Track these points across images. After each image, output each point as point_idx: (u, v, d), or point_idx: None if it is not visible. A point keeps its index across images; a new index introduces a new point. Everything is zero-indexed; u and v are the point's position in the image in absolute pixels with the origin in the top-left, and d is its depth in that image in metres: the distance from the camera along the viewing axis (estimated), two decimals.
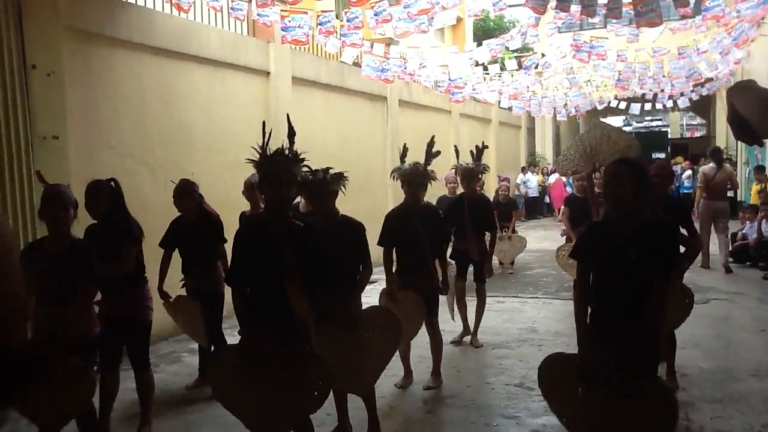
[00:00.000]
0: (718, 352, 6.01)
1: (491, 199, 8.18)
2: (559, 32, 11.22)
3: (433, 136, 5.32)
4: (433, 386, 5.23)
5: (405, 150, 5.19)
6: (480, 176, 6.50)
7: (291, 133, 3.56)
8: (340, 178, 4.13)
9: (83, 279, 3.69)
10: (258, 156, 3.45)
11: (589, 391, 3.17)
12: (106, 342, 4.13)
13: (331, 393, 4.17)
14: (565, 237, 8.17)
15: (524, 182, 19.89)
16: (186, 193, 5.26)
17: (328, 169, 4.10)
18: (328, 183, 4.09)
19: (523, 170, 20.78)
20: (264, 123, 3.64)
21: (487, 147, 6.64)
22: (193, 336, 5.44)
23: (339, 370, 3.48)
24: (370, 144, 11.64)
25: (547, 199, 21.05)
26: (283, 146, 3.43)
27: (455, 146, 6.84)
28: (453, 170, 6.53)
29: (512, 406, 4.80)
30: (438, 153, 5.21)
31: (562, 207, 8.26)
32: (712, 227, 10.41)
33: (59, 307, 3.59)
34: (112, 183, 4.33)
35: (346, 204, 4.39)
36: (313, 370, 3.29)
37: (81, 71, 6.08)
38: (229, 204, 6.74)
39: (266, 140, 3.41)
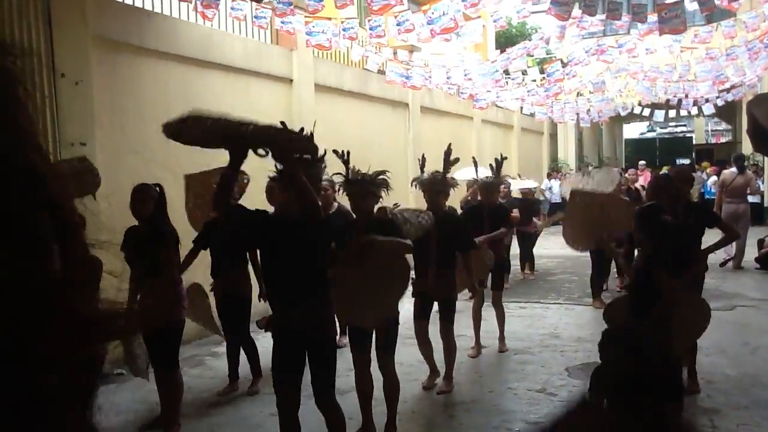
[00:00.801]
0: (744, 359, 5.93)
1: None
2: (582, 39, 11.18)
3: (450, 144, 5.35)
4: (446, 390, 5.24)
5: (424, 160, 5.26)
6: (500, 188, 6.59)
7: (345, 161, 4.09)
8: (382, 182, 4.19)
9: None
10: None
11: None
12: (147, 339, 4.39)
13: (356, 394, 4.23)
14: None
15: (549, 188, 19.78)
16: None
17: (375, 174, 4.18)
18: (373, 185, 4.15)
19: (549, 176, 20.69)
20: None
21: (506, 158, 6.64)
22: (203, 325, 5.37)
23: (348, 303, 3.59)
24: (392, 150, 11.68)
25: None
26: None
27: (474, 158, 6.87)
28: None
29: (534, 412, 4.79)
30: (457, 160, 5.25)
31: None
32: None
33: None
34: (158, 188, 4.52)
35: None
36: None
37: (108, 79, 6.20)
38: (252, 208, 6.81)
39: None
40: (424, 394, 5.27)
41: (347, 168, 4.17)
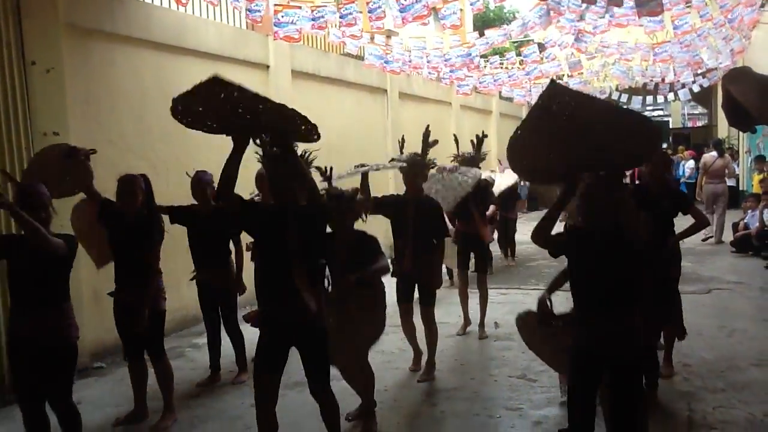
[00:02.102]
0: (720, 342, 6.02)
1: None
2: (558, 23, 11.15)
3: (428, 126, 5.34)
4: (427, 378, 5.27)
5: (403, 142, 5.25)
6: (479, 164, 6.56)
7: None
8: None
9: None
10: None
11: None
12: (125, 331, 4.43)
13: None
14: None
15: None
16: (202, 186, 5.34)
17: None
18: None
19: None
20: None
21: (486, 136, 6.73)
22: (86, 248, 4.97)
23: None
24: (370, 136, 11.62)
25: None
26: None
27: (455, 135, 6.86)
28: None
29: (515, 398, 4.82)
30: (435, 142, 5.28)
31: None
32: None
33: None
34: (143, 180, 4.48)
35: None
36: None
37: (81, 67, 6.07)
38: None
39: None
40: (405, 382, 5.28)
41: (329, 184, 4.28)
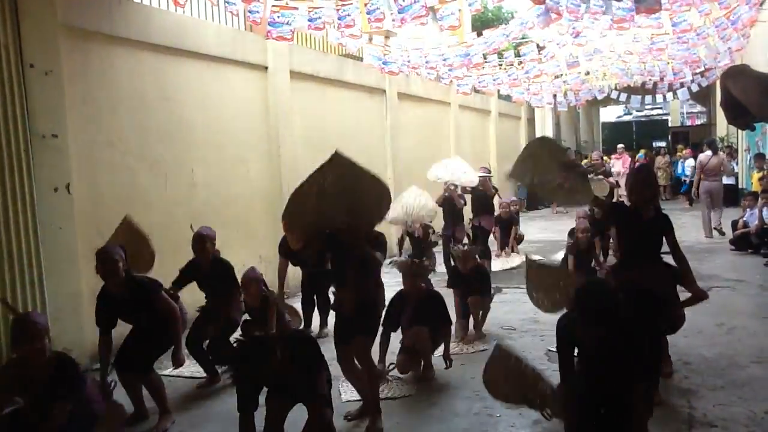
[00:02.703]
0: (720, 340, 6.02)
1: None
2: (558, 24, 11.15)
3: (434, 231, 5.57)
4: (426, 377, 5.34)
5: (402, 240, 5.57)
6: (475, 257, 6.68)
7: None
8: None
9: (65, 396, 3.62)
10: None
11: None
12: (125, 345, 4.62)
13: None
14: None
15: None
16: (203, 242, 5.43)
17: None
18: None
19: None
20: None
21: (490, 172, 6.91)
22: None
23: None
24: (369, 137, 11.62)
25: None
26: None
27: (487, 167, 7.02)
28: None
29: None
30: (436, 244, 5.63)
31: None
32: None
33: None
34: (121, 249, 4.50)
35: None
36: None
37: (79, 69, 6.07)
38: (228, 200, 6.76)
39: None
40: (405, 381, 5.28)
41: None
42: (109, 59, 6.42)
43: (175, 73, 7.27)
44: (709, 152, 12.95)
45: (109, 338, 4.53)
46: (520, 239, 11.08)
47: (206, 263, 5.44)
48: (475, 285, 6.38)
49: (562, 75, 15.14)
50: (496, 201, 10.07)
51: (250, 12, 7.26)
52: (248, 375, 3.53)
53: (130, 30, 6.61)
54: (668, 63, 14.36)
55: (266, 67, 8.76)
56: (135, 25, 6.67)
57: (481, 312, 6.50)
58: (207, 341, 5.42)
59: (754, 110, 1.37)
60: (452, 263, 6.68)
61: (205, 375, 5.47)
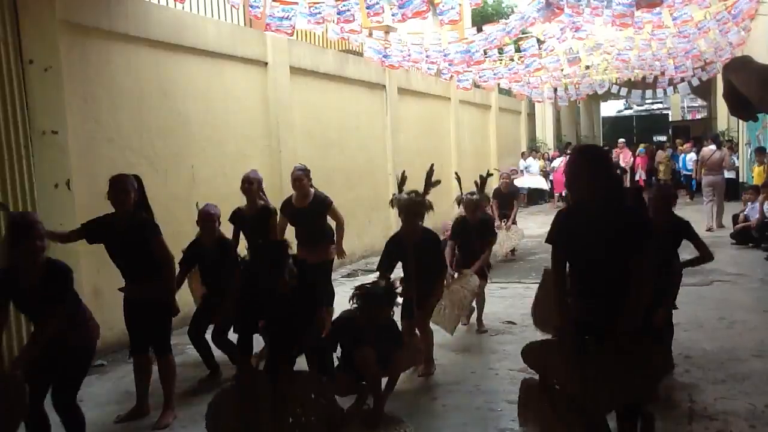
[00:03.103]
0: (721, 333, 6.02)
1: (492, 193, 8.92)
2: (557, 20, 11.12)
3: (432, 165, 5.37)
4: (427, 372, 5.32)
5: (403, 179, 5.27)
6: (482, 206, 6.66)
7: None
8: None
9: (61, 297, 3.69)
10: None
11: (577, 363, 3.27)
12: (133, 326, 4.55)
13: None
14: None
15: (526, 168, 19.82)
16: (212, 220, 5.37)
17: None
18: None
19: (523, 155, 20.73)
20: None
21: (491, 175, 6.77)
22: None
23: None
24: (370, 132, 11.61)
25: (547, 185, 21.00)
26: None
27: (456, 174, 6.91)
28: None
29: (516, 391, 4.77)
30: (438, 182, 5.31)
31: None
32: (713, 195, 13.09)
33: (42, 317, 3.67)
34: (135, 179, 4.48)
35: (348, 192, 4.47)
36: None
37: (78, 65, 6.07)
38: (228, 195, 6.75)
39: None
40: (406, 376, 5.27)
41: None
42: (108, 55, 6.42)
43: (175, 68, 7.27)
44: (712, 146, 13.43)
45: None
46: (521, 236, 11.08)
47: (212, 244, 5.32)
48: (477, 237, 6.36)
49: (563, 69, 15.13)
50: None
51: (251, 6, 7.26)
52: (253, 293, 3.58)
53: (129, 26, 6.60)
54: (669, 58, 14.33)
55: (266, 63, 8.75)
56: (134, 21, 6.66)
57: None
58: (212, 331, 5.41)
59: (754, 101, 1.36)
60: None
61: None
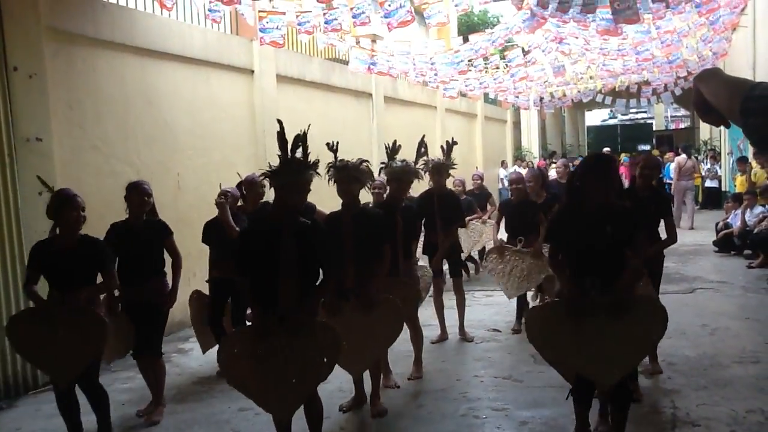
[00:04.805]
0: (704, 340, 6.08)
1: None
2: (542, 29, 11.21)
3: (424, 136, 5.43)
4: (417, 376, 5.34)
5: (394, 147, 5.25)
6: (449, 172, 6.33)
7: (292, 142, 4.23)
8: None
9: (95, 269, 4.15)
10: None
11: (578, 323, 3.52)
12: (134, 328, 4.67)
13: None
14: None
15: (506, 177, 19.88)
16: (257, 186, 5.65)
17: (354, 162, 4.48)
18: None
19: (503, 164, 20.87)
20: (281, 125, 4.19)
21: (456, 143, 6.62)
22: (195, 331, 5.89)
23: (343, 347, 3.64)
24: (356, 141, 11.63)
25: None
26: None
27: (444, 143, 6.86)
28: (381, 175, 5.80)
29: (501, 399, 4.84)
30: (425, 153, 5.46)
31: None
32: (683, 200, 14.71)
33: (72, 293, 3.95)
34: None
35: (334, 200, 4.47)
36: (321, 338, 3.52)
37: (64, 72, 6.04)
38: (214, 203, 6.73)
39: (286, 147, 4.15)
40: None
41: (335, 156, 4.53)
42: (93, 62, 6.39)
43: (161, 76, 7.25)
44: (683, 156, 15.48)
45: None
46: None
47: (255, 208, 5.56)
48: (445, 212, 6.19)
49: (546, 80, 15.25)
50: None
51: (242, 14, 7.29)
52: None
53: (115, 33, 6.58)
54: (654, 67, 14.46)
55: (252, 71, 8.75)
56: (119, 28, 6.64)
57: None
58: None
59: (722, 111, 1.42)
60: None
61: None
